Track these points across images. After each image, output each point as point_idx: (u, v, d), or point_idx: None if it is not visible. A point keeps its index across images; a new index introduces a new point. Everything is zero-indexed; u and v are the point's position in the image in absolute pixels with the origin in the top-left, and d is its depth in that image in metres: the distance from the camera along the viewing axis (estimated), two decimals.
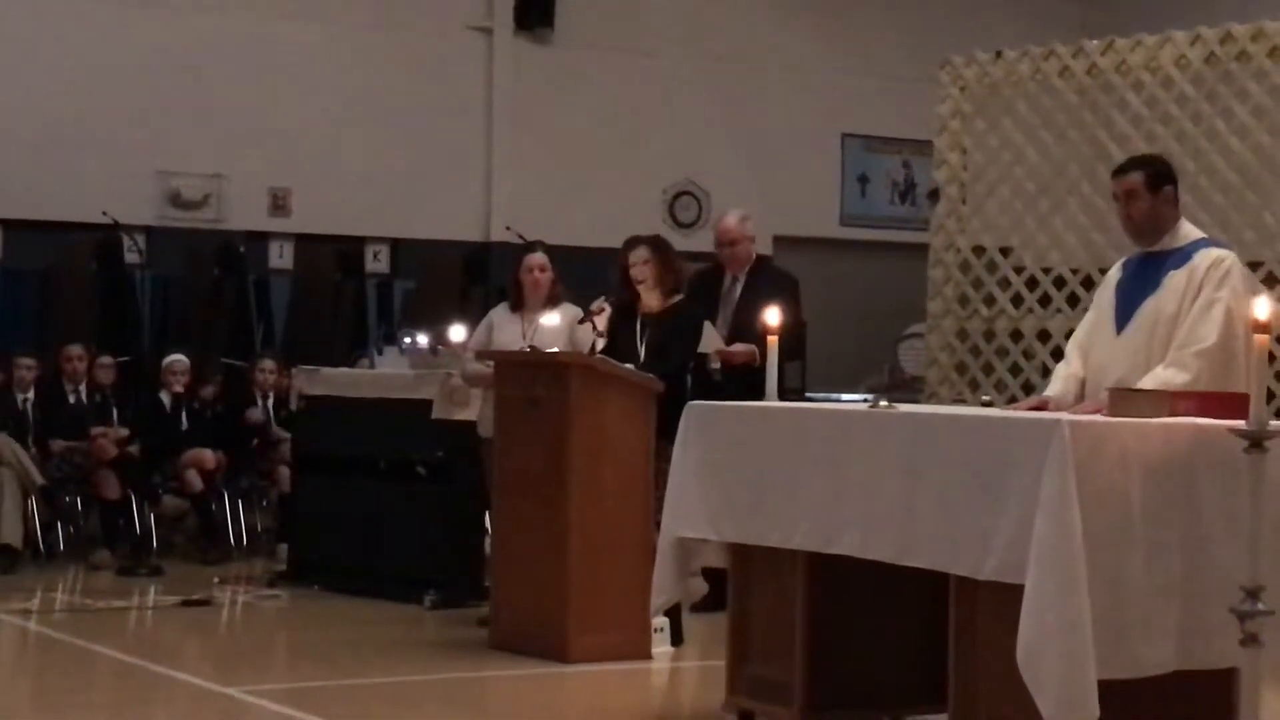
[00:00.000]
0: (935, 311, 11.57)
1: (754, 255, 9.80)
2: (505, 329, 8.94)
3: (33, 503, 11.34)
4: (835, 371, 14.94)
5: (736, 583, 6.45)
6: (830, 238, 16.66)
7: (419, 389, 9.71)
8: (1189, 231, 6.29)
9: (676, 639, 8.13)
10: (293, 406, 11.82)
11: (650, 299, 8.51)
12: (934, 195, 11.67)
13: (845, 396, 12.09)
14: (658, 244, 8.64)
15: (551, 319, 8.81)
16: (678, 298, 8.58)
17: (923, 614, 5.91)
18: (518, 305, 9.01)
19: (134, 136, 14.30)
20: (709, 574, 6.72)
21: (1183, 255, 6.16)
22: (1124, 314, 6.23)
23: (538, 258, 9.01)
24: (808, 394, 13.48)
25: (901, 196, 17.12)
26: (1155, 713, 5.21)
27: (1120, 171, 6.32)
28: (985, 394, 10.57)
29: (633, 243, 8.64)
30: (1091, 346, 6.32)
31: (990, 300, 11.34)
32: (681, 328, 8.50)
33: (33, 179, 13.97)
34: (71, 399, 12.02)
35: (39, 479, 11.31)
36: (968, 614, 5.39)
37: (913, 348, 13.76)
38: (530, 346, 8.57)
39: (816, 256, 15.77)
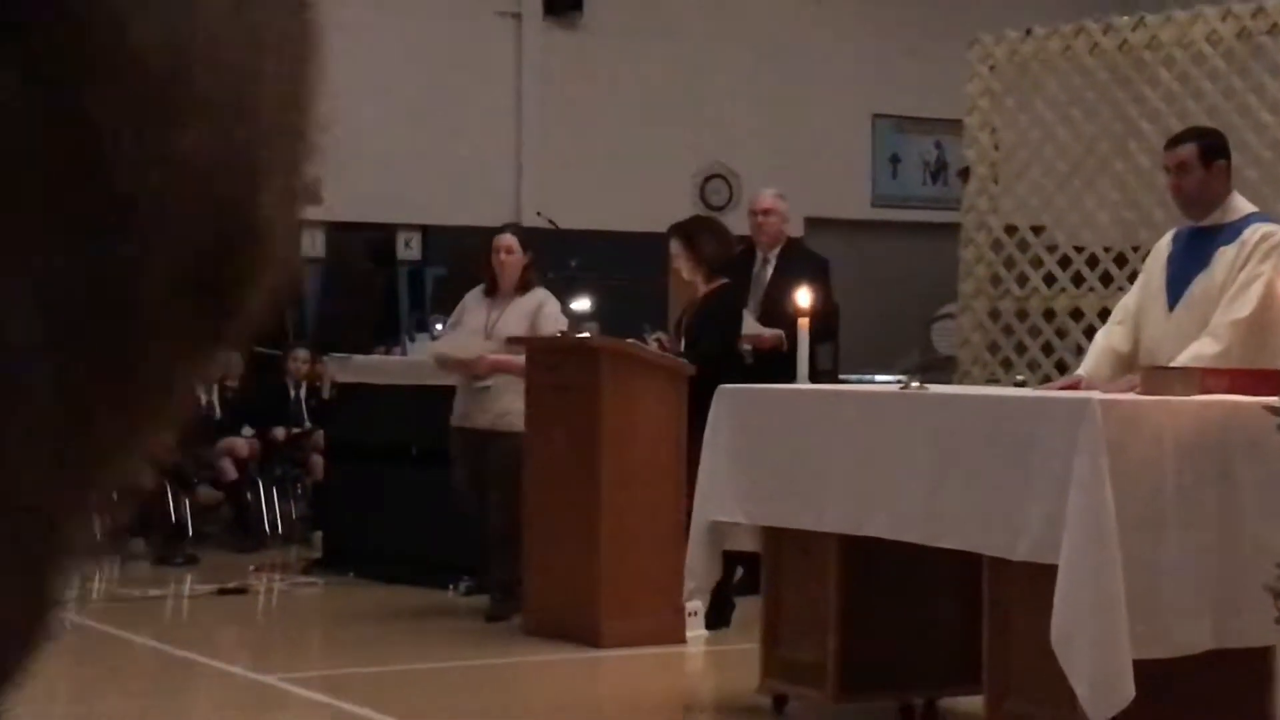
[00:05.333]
0: (967, 292, 11.52)
1: (785, 234, 9.77)
2: (473, 313, 8.78)
3: None
4: (868, 353, 14.90)
5: (769, 566, 6.45)
6: (862, 219, 16.62)
7: (449, 376, 9.69)
8: (1241, 206, 6.21)
9: (723, 621, 8.06)
10: (325, 395, 11.83)
11: (694, 284, 8.53)
12: (964, 175, 11.61)
13: (879, 378, 12.04)
14: (688, 232, 8.62)
15: (517, 305, 8.61)
16: (719, 281, 8.55)
17: (956, 595, 5.89)
18: (491, 289, 8.80)
19: None
20: (743, 558, 6.71)
21: (1233, 230, 6.09)
22: (1175, 292, 6.17)
23: (505, 239, 8.79)
24: (841, 376, 13.43)
25: (933, 177, 17.05)
26: (1190, 692, 5.18)
27: (1173, 143, 6.26)
28: (1019, 374, 10.51)
29: (669, 233, 8.67)
30: (1143, 323, 6.26)
31: (1023, 279, 11.28)
32: (717, 312, 8.48)
33: None
34: None
35: None
36: (1001, 595, 5.37)
37: (946, 328, 13.70)
38: (491, 332, 8.52)
39: (848, 238, 15.72)
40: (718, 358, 8.06)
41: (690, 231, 8.61)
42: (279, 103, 0.52)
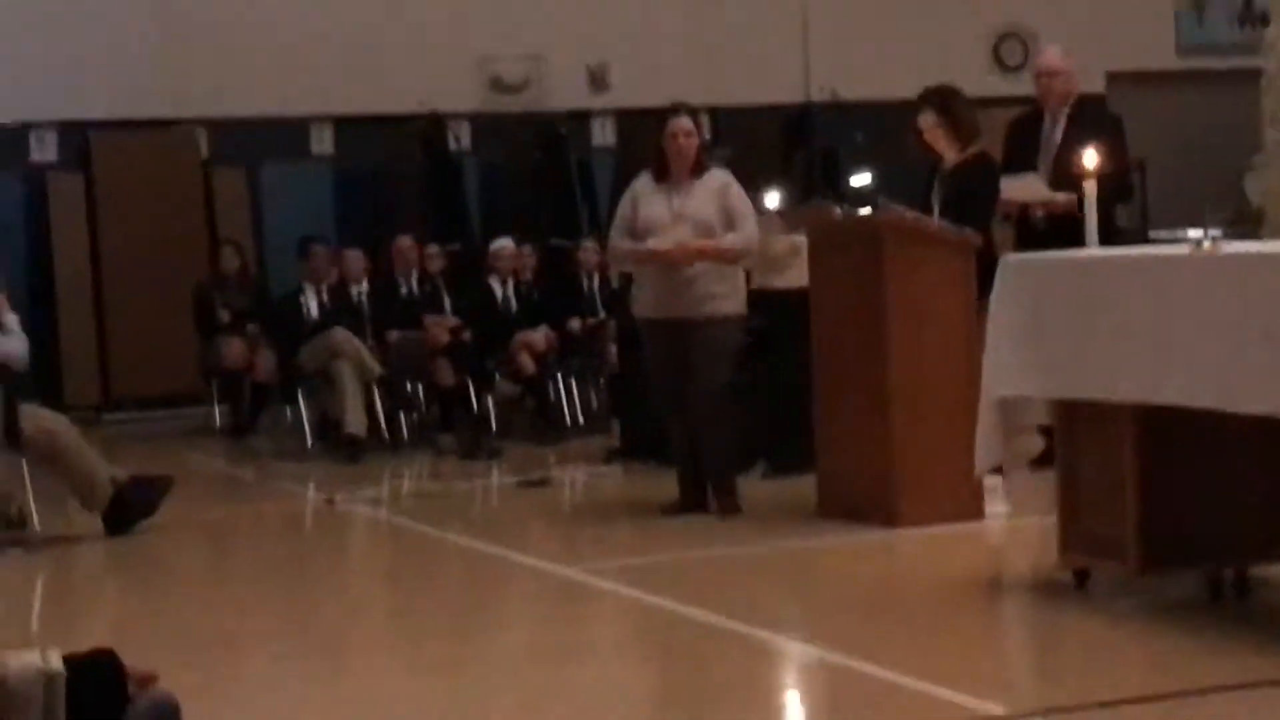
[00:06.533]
0: (1273, 140, 10.98)
1: (1074, 94, 9.41)
2: (650, 202, 8.29)
3: (375, 394, 11.66)
4: (1178, 209, 14.38)
5: (1062, 439, 6.27)
6: (1167, 70, 16.00)
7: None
8: None
9: None
10: (614, 285, 11.87)
11: (949, 154, 8.23)
12: (1263, 19, 11.03)
13: (1190, 233, 11.59)
14: (942, 99, 8.31)
15: (700, 187, 8.24)
16: (974, 149, 8.26)
17: (1261, 461, 5.63)
18: (662, 175, 8.31)
19: (450, 24, 14.48)
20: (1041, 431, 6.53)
21: None
22: None
23: (682, 122, 8.28)
24: (1150, 234, 13.01)
25: (1241, 21, 16.29)
26: None
27: None
28: None
29: (918, 105, 8.34)
30: None
31: None
32: (980, 181, 8.19)
33: (356, 76, 14.30)
34: (403, 290, 12.29)
35: (378, 370, 11.60)
36: None
37: (1259, 179, 13.15)
38: (678, 218, 8.15)
39: (1154, 91, 15.21)
40: (987, 228, 7.82)
41: (943, 100, 8.31)
42: None
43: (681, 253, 8.13)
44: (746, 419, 8.74)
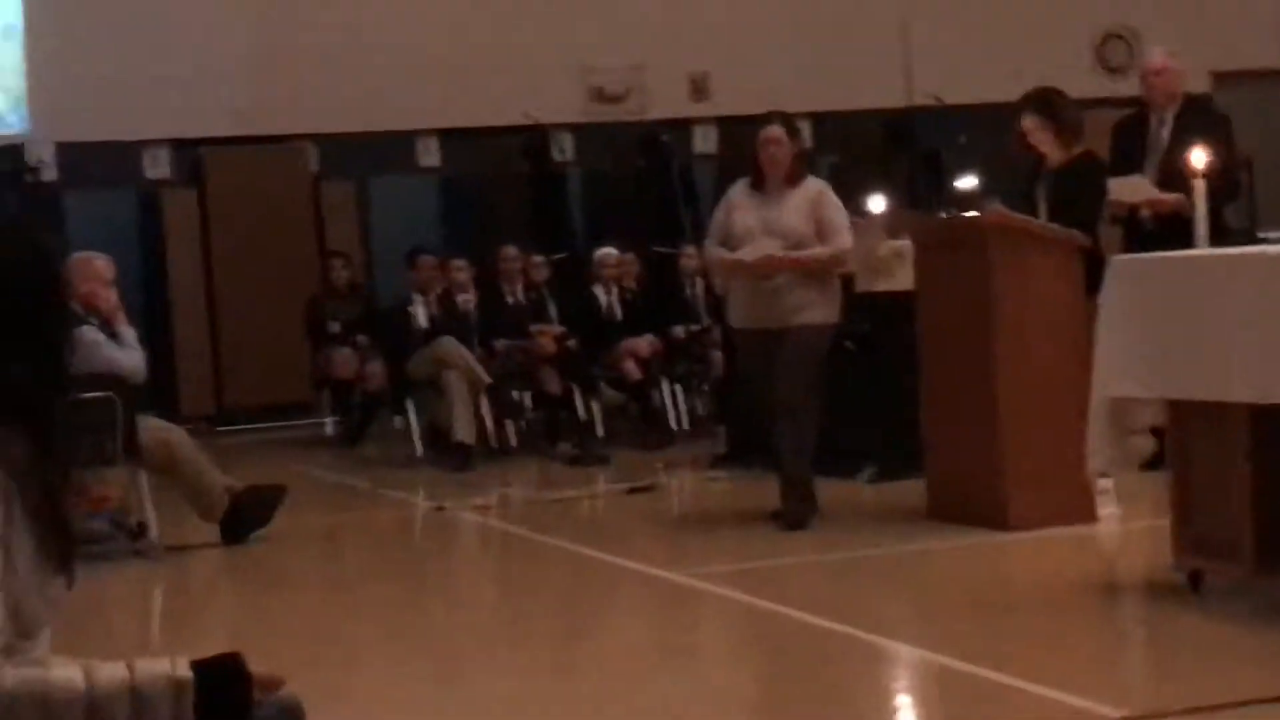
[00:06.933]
0: None
1: (1181, 93, 9.34)
2: (744, 210, 8.20)
3: (483, 402, 11.74)
4: None
5: (1175, 440, 6.23)
6: (1273, 68, 15.81)
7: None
8: None
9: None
10: (717, 291, 11.87)
11: (1053, 155, 8.18)
12: None
13: None
14: (1045, 101, 8.26)
15: (794, 197, 8.11)
16: (1079, 150, 8.21)
17: None
18: (758, 183, 8.22)
19: (553, 37, 14.57)
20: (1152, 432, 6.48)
21: None
22: None
23: (773, 130, 8.17)
24: (1258, 233, 12.85)
25: None
26: None
27: None
28: None
29: (1021, 106, 8.29)
30: None
31: None
32: (1087, 182, 8.13)
33: (461, 89, 14.42)
34: (509, 299, 12.38)
35: (485, 378, 11.69)
36: None
37: None
38: (768, 228, 8.04)
39: (1260, 89, 15.03)
40: (1086, 228, 7.77)
41: (1046, 100, 8.26)
42: None
43: (767, 264, 8.05)
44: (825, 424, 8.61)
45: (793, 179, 8.17)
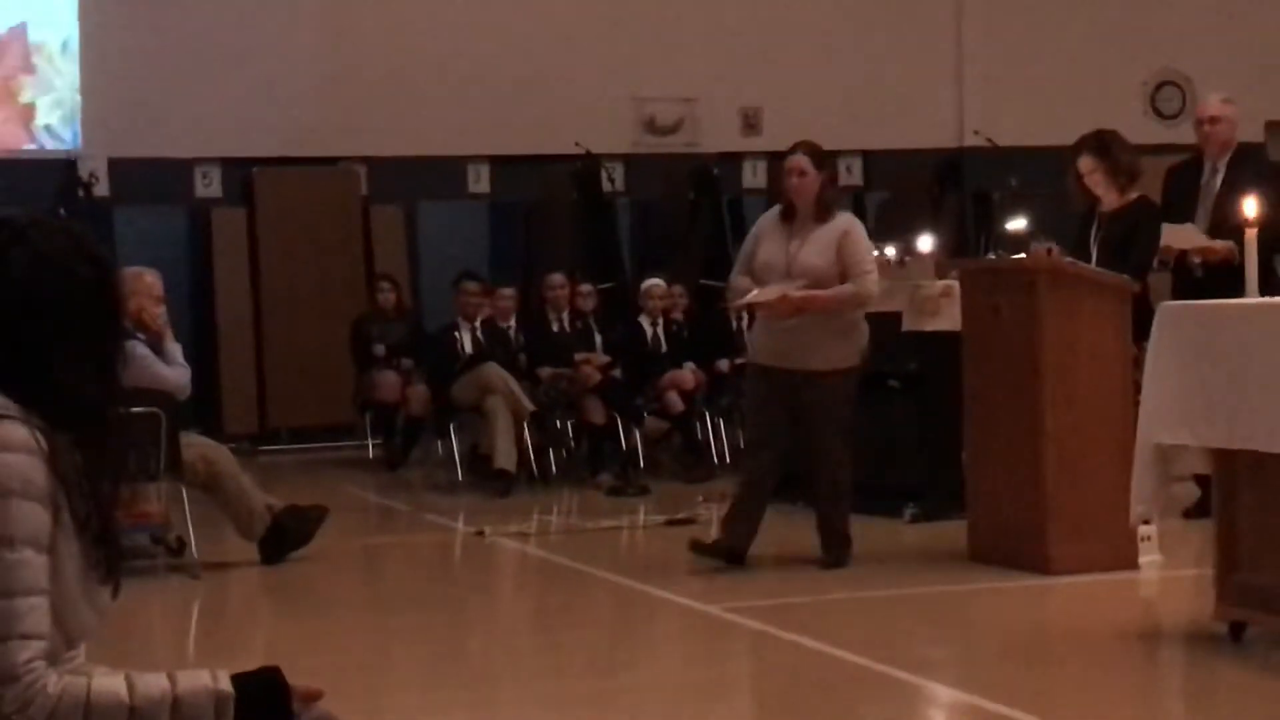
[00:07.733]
0: None
1: (1234, 142, 9.31)
2: (770, 242, 8.03)
3: (525, 429, 11.75)
4: None
5: (1221, 488, 6.19)
6: None
7: (888, 301, 9.54)
8: None
9: None
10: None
11: (1108, 198, 8.16)
12: None
13: None
14: (1102, 144, 8.25)
15: (819, 234, 7.92)
16: (1134, 195, 8.18)
17: None
18: (788, 214, 8.05)
19: (606, 67, 14.62)
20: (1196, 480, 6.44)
21: None
22: None
23: (797, 160, 7.98)
24: None
25: None
26: None
27: None
28: None
29: (1076, 149, 8.28)
30: None
31: None
32: (1143, 226, 8.11)
33: (513, 117, 14.47)
34: (555, 327, 12.39)
35: (529, 406, 11.69)
36: None
37: None
38: (791, 263, 7.89)
39: None
40: (1139, 273, 7.73)
41: (1103, 143, 8.25)
42: None
43: (784, 306, 7.89)
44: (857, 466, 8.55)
45: (820, 213, 7.99)
